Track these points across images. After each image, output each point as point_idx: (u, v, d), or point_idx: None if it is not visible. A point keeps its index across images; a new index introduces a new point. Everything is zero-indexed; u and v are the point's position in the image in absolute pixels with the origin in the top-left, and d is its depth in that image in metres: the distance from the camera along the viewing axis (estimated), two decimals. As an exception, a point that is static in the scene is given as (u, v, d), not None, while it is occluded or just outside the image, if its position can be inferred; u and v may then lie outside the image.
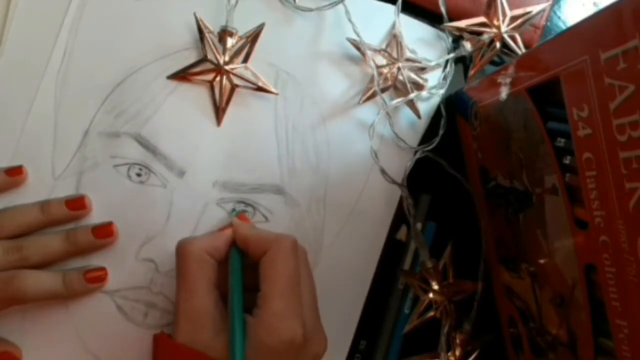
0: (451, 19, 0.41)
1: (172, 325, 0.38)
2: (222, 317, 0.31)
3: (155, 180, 0.38)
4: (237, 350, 0.29)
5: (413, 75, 0.41)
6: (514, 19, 0.41)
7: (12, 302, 0.34)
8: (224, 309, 0.32)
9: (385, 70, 0.40)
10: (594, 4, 0.45)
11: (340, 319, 0.40)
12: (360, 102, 0.40)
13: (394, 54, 0.41)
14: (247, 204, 0.39)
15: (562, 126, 0.27)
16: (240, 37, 0.39)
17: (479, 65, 0.42)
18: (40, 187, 0.37)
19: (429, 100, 0.42)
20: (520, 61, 0.32)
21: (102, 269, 0.36)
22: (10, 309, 0.35)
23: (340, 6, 0.40)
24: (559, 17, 0.44)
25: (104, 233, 0.36)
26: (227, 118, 0.39)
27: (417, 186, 0.42)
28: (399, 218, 0.41)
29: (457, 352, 0.40)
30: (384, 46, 0.41)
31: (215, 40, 0.38)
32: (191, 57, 0.39)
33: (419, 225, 0.41)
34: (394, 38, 0.41)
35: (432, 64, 0.41)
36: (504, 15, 0.41)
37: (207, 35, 0.38)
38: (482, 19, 0.41)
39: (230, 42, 0.38)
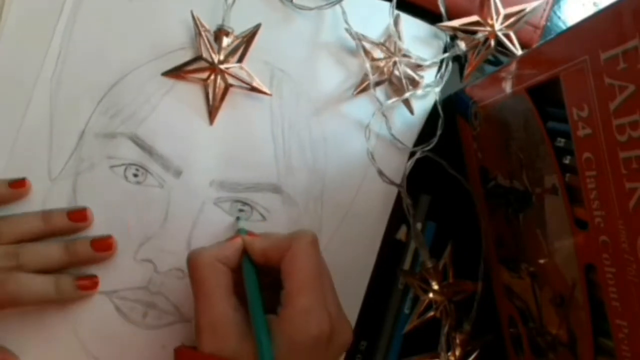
0: (451, 18, 0.41)
1: (174, 325, 0.38)
2: (245, 322, 0.31)
3: (152, 180, 0.38)
4: (265, 351, 0.29)
5: (409, 71, 0.41)
6: (507, 17, 0.41)
7: (6, 304, 0.34)
8: (246, 314, 0.31)
9: (381, 64, 0.40)
10: (594, 4, 0.45)
11: None
12: (354, 93, 0.40)
13: (392, 49, 0.41)
14: (244, 203, 0.39)
15: (562, 126, 0.27)
16: (236, 37, 0.39)
17: (473, 64, 0.42)
18: (37, 189, 0.37)
19: (425, 98, 0.42)
20: (520, 61, 0.32)
21: (94, 276, 0.36)
22: (10, 310, 0.35)
23: (339, 5, 0.40)
24: (559, 17, 0.44)
25: (103, 246, 0.36)
26: (222, 117, 0.39)
27: (417, 186, 0.41)
28: (399, 218, 0.41)
29: (457, 352, 0.40)
30: (382, 41, 0.41)
31: (211, 38, 0.38)
32: (186, 57, 0.38)
33: (418, 225, 0.41)
34: (389, 37, 0.41)
35: (427, 63, 0.41)
36: (498, 13, 0.41)
37: (203, 33, 0.38)
38: (475, 18, 0.41)
39: (225, 41, 0.38)
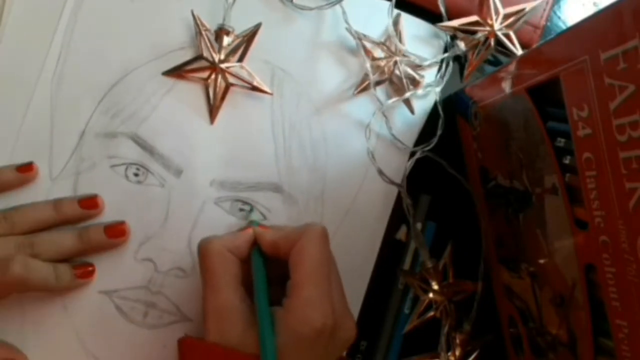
0: (451, 18, 0.41)
1: (175, 324, 0.38)
2: (251, 312, 0.31)
3: (152, 179, 0.38)
4: (268, 342, 0.29)
5: (410, 71, 0.41)
6: (507, 16, 0.41)
7: (11, 288, 0.34)
8: (252, 305, 0.31)
9: (382, 64, 0.40)
10: (594, 4, 0.45)
11: None
12: (355, 93, 0.40)
13: (392, 48, 0.41)
14: (245, 203, 0.39)
15: (562, 126, 0.27)
16: (237, 36, 0.39)
17: (474, 64, 0.42)
18: (38, 189, 0.37)
19: (425, 97, 0.42)
20: (520, 61, 0.32)
21: (90, 264, 0.37)
22: (10, 310, 0.35)
23: (339, 5, 0.40)
24: (559, 17, 0.44)
25: (117, 232, 0.36)
26: (222, 117, 0.39)
27: (417, 186, 0.41)
28: (399, 218, 0.41)
29: (457, 352, 0.40)
30: (383, 40, 0.41)
31: (212, 38, 0.38)
32: (187, 57, 0.39)
33: (418, 225, 0.41)
34: (390, 37, 0.41)
35: (427, 63, 0.41)
36: (497, 13, 0.41)
37: (203, 33, 0.38)
38: (475, 18, 0.41)
39: (226, 40, 0.38)
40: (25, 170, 0.36)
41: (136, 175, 0.38)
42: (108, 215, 0.37)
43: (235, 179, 0.39)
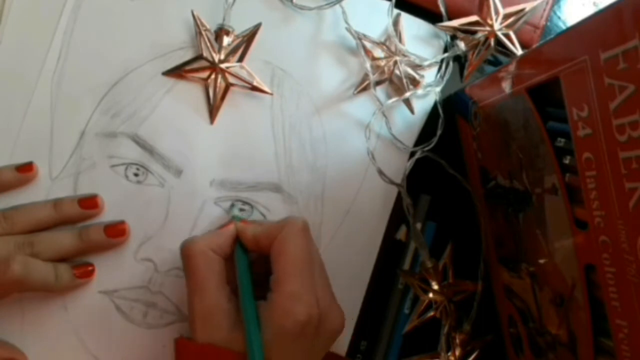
0: (451, 18, 0.41)
1: (175, 324, 0.38)
2: (237, 311, 0.31)
3: (152, 179, 0.38)
4: (254, 339, 0.29)
5: (410, 71, 0.41)
6: (507, 16, 0.41)
7: (11, 287, 0.34)
8: (238, 302, 0.32)
9: (382, 63, 0.40)
10: (594, 3, 0.45)
11: None
12: (355, 92, 0.40)
13: (392, 48, 0.41)
14: (245, 202, 0.39)
15: (562, 126, 0.27)
16: (237, 36, 0.39)
17: (473, 64, 0.42)
18: (38, 189, 0.37)
19: (425, 97, 0.42)
20: (520, 61, 0.32)
21: (90, 264, 0.37)
22: (10, 310, 0.35)
23: (339, 5, 0.40)
24: (559, 17, 0.44)
25: (117, 232, 0.37)
26: (222, 117, 0.39)
27: (417, 186, 0.41)
28: (399, 218, 0.41)
29: (457, 352, 0.40)
30: (383, 40, 0.41)
31: (212, 38, 0.38)
32: (187, 56, 0.39)
33: (418, 225, 0.41)
34: (389, 38, 0.41)
35: (427, 63, 0.41)
36: (497, 13, 0.41)
37: (203, 33, 0.38)
38: (475, 18, 0.41)
39: (226, 40, 0.38)
40: (25, 170, 0.36)
41: (136, 175, 0.38)
42: (108, 215, 0.37)
43: (235, 179, 0.39)
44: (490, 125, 0.37)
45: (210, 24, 0.38)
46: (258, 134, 0.40)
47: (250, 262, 0.34)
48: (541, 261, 0.32)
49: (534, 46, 0.41)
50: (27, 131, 0.37)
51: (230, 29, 0.38)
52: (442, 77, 0.42)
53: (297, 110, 0.40)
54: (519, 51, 0.41)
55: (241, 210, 0.39)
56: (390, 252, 0.41)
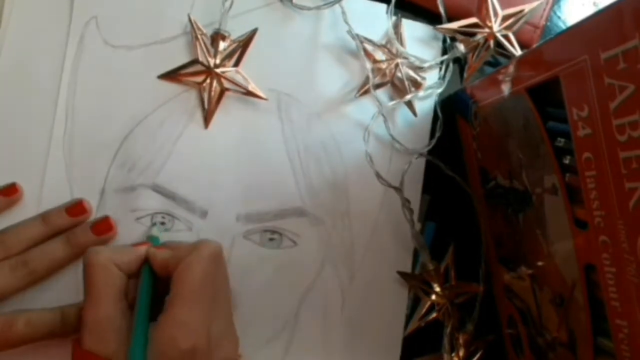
0: (451, 19, 0.41)
1: None
2: (129, 328, 0.31)
3: (180, 225, 0.38)
4: (136, 358, 0.29)
5: (411, 73, 0.41)
6: (506, 18, 0.41)
7: (15, 344, 0.32)
8: (132, 320, 0.31)
9: (383, 66, 0.40)
10: (594, 3, 0.45)
11: (385, 332, 0.40)
12: (357, 95, 0.40)
13: (393, 50, 0.41)
14: (274, 232, 0.39)
15: (562, 126, 0.27)
16: (233, 41, 0.39)
17: (473, 66, 0.42)
18: None
19: (427, 99, 0.42)
20: (520, 61, 0.32)
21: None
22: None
23: (339, 5, 0.40)
24: (559, 17, 0.44)
25: (104, 229, 0.36)
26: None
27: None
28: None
29: (461, 353, 0.40)
30: (384, 42, 0.41)
31: (208, 42, 0.38)
32: (191, 99, 0.39)
33: (418, 226, 0.41)
34: (389, 40, 0.41)
35: (426, 65, 0.41)
36: (496, 15, 0.41)
37: (199, 37, 0.38)
38: (474, 20, 0.41)
39: (222, 45, 0.38)
40: (9, 193, 0.36)
41: (163, 223, 0.37)
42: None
43: (259, 210, 0.39)
44: (490, 125, 0.37)
45: (207, 29, 0.38)
46: (274, 163, 0.39)
47: (154, 282, 0.33)
48: (541, 261, 0.32)
49: (534, 46, 0.41)
50: (48, 200, 0.36)
51: (227, 34, 0.38)
52: (442, 79, 0.42)
53: (309, 132, 0.40)
54: (518, 52, 0.41)
55: (270, 240, 0.38)
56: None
